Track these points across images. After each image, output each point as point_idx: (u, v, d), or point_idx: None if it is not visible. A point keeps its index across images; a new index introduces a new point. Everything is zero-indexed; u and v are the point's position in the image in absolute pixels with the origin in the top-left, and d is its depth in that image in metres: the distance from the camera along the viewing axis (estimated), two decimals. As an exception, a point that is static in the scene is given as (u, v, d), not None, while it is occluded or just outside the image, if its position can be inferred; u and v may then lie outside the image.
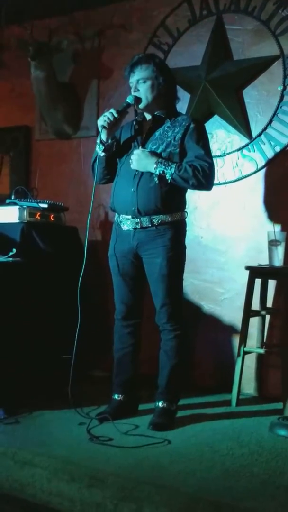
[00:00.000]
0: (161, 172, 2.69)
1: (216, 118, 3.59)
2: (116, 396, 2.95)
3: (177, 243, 2.81)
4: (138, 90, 2.79)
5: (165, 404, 2.82)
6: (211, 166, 2.76)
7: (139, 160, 2.74)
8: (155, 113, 2.85)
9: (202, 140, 2.79)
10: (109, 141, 2.83)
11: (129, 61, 2.84)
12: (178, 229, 2.82)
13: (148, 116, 2.89)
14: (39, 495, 2.32)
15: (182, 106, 3.60)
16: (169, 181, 2.71)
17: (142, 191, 2.75)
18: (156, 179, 2.71)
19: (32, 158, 4.34)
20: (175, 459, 2.40)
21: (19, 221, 3.36)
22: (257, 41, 3.46)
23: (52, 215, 3.58)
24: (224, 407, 3.16)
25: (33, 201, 3.50)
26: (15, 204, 3.42)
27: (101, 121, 2.78)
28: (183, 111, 3.61)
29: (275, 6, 3.39)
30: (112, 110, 2.78)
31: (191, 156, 2.75)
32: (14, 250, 3.16)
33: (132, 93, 2.80)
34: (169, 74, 2.87)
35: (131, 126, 2.94)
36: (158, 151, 2.77)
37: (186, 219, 2.91)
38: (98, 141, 2.83)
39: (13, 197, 3.57)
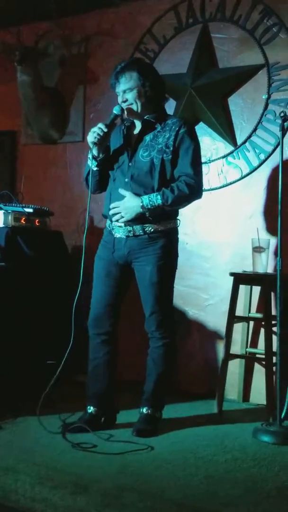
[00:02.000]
0: (150, 212, 2.70)
1: (201, 125, 3.61)
2: (88, 408, 2.85)
3: (168, 251, 2.80)
4: (127, 100, 2.77)
5: (149, 411, 2.81)
6: (197, 177, 2.76)
7: (125, 210, 2.72)
8: (145, 117, 2.82)
9: (191, 146, 2.76)
10: (101, 155, 2.81)
11: (113, 69, 2.82)
12: (170, 237, 2.82)
13: (137, 122, 2.87)
14: (22, 502, 2.30)
15: (168, 112, 3.62)
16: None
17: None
18: (150, 218, 2.73)
19: (17, 163, 4.33)
20: (159, 465, 2.40)
21: (4, 225, 3.36)
22: (242, 50, 3.49)
23: (37, 220, 3.58)
24: (208, 412, 3.17)
25: (18, 205, 3.49)
26: (0, 208, 3.41)
27: (91, 138, 2.75)
28: (169, 118, 3.64)
29: (260, 16, 3.42)
30: (100, 125, 2.75)
31: (178, 169, 2.75)
32: (-1, 255, 3.15)
33: (121, 104, 2.78)
34: (155, 77, 2.83)
35: (119, 131, 2.91)
36: (150, 157, 2.75)
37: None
38: (90, 156, 2.81)
39: (-2, 201, 3.56)
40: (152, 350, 2.85)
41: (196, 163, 2.79)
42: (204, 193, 3.53)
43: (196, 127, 3.58)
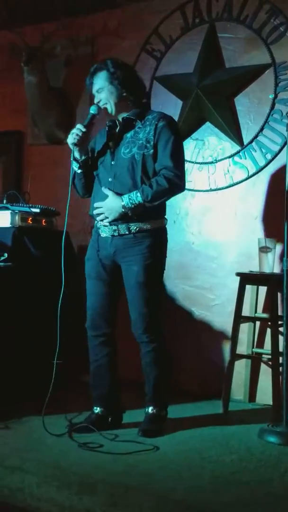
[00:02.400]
0: (132, 211, 2.67)
1: (208, 125, 3.61)
2: (94, 409, 2.86)
3: (155, 251, 2.75)
4: (100, 100, 2.77)
5: (154, 410, 2.81)
6: (178, 170, 2.68)
7: (108, 211, 2.71)
8: (124, 115, 2.79)
9: (171, 138, 2.70)
10: (83, 157, 2.80)
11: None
12: (157, 237, 2.76)
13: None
14: (29, 501, 2.31)
15: (174, 112, 3.63)
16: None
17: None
18: (135, 217, 2.70)
19: (24, 163, 4.34)
20: (164, 465, 2.40)
21: (10, 225, 3.36)
22: (249, 50, 3.48)
23: (44, 220, 3.59)
24: (214, 413, 3.16)
25: (25, 205, 3.50)
26: (7, 208, 3.42)
27: (71, 139, 2.75)
28: (175, 118, 3.62)
29: (267, 15, 3.41)
30: (79, 126, 2.75)
31: (159, 162, 2.70)
32: (6, 254, 3.15)
33: (95, 102, 2.78)
34: (126, 74, 2.77)
35: (104, 132, 2.90)
36: (131, 154, 2.73)
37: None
38: (72, 159, 2.80)
39: (5, 201, 3.57)
40: (143, 355, 2.82)
41: (177, 155, 2.71)
42: (210, 193, 3.60)
43: (203, 127, 3.63)
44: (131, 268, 2.74)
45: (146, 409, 2.83)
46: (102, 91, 2.77)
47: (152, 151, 2.71)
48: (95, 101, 2.80)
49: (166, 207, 2.85)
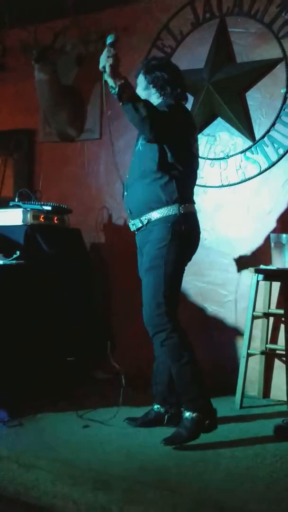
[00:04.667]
0: (116, 92, 2.54)
1: (219, 120, 3.59)
2: (154, 406, 2.83)
3: (161, 239, 2.61)
4: None
5: (187, 413, 2.60)
6: (162, 115, 2.54)
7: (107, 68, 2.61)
8: None
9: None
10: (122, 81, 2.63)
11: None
12: (166, 225, 2.62)
13: None
14: (44, 498, 2.32)
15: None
16: (121, 104, 2.53)
17: (131, 194, 2.73)
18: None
19: (35, 161, 4.35)
20: (179, 462, 2.40)
21: (22, 223, 3.37)
22: (260, 44, 3.46)
23: (55, 218, 3.59)
24: (228, 409, 3.15)
25: (36, 203, 3.50)
26: (19, 206, 3.43)
27: (107, 62, 2.64)
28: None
29: (278, 9, 3.39)
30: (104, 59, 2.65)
31: None
32: (18, 252, 3.16)
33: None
34: (154, 80, 2.79)
35: None
36: (138, 146, 2.74)
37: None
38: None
39: (17, 199, 3.58)
40: (155, 353, 2.72)
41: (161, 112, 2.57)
42: (222, 189, 3.58)
43: (214, 123, 3.62)
44: (144, 259, 2.71)
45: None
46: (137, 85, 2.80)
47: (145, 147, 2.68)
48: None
49: (184, 193, 2.69)
